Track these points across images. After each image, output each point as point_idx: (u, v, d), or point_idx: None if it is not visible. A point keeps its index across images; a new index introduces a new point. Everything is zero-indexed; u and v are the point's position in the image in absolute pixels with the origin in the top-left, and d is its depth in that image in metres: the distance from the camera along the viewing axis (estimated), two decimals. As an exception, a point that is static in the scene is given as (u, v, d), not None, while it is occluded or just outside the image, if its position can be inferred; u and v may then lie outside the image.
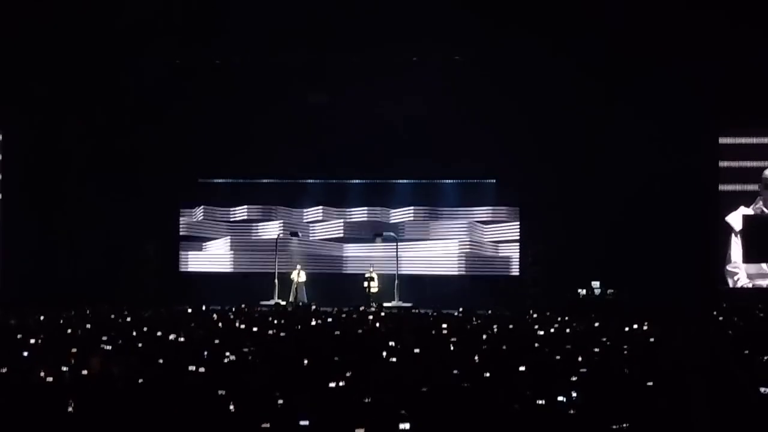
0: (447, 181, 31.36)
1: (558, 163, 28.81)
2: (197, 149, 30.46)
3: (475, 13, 27.61)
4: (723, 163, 29.30)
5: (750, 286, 29.02)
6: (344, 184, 31.84)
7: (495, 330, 18.62)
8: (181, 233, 31.81)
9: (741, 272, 29.11)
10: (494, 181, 30.96)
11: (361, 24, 28.16)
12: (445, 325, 18.77)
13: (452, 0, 27.30)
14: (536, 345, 15.59)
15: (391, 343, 15.26)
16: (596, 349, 14.62)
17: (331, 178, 31.67)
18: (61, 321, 20.41)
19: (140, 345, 15.30)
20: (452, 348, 15.34)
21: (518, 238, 30.55)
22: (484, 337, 17.09)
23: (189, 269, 31.70)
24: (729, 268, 29.15)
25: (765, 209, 29.27)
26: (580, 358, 13.56)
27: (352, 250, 31.53)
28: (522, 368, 12.29)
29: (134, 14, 27.85)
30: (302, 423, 9.12)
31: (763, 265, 28.99)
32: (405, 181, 31.53)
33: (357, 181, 31.76)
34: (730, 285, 29.07)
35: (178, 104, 29.87)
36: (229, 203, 31.90)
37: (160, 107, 29.75)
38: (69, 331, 17.93)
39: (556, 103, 28.43)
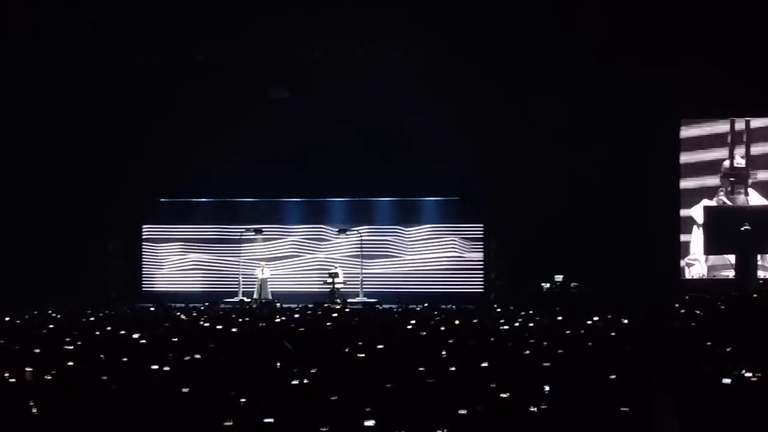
0: (410, 198, 31.18)
1: (520, 165, 28.85)
2: (159, 167, 30.21)
3: (438, 21, 27.67)
4: (683, 156, 29.59)
5: (711, 277, 29.26)
6: (304, 202, 31.63)
7: (459, 324, 18.63)
8: (143, 252, 31.68)
9: (699, 264, 29.35)
10: (458, 198, 30.85)
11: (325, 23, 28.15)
12: (410, 321, 18.77)
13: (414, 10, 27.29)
14: (500, 339, 15.61)
15: (356, 340, 15.24)
16: (560, 342, 14.68)
17: (290, 197, 31.52)
18: (23, 321, 20.27)
19: (104, 344, 15.23)
20: (417, 343, 15.35)
21: (482, 253, 30.57)
22: (449, 331, 17.10)
23: (153, 288, 31.38)
24: (687, 259, 29.40)
25: (726, 200, 29.49)
26: (544, 352, 13.60)
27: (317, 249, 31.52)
28: (486, 363, 12.31)
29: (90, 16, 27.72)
30: (266, 421, 9.10)
31: (727, 256, 29.20)
32: (366, 198, 31.32)
33: (318, 199, 31.46)
34: (687, 276, 29.33)
35: (137, 118, 29.67)
36: (192, 221, 31.78)
37: (119, 117, 29.58)
38: (32, 330, 17.82)
39: (514, 105, 28.56)
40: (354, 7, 27.50)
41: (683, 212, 29.44)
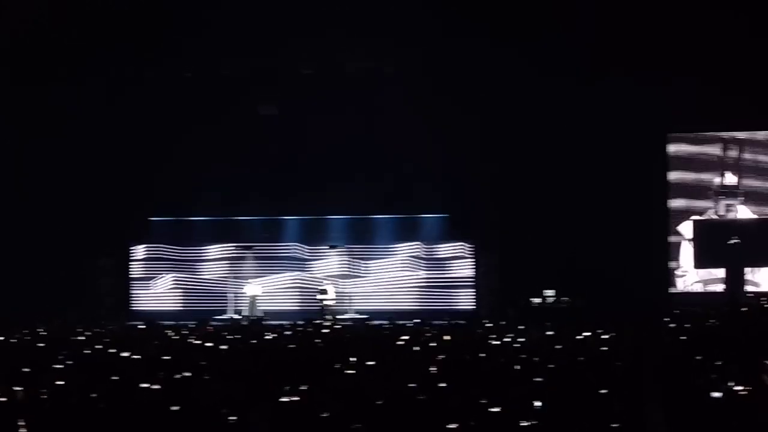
0: (399, 216, 30.98)
1: (509, 181, 28.87)
2: (149, 186, 30.14)
3: (426, 38, 27.70)
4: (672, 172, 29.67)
5: (701, 290, 29.27)
6: (292, 220, 31.39)
7: (450, 340, 18.60)
8: (131, 272, 31.51)
9: (688, 278, 29.38)
10: (447, 215, 30.72)
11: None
12: (401, 337, 18.73)
13: (403, 27, 27.31)
14: (491, 354, 15.59)
15: (347, 356, 15.20)
16: (550, 357, 14.66)
17: (273, 215, 31.29)
18: (14, 340, 20.20)
19: (93, 362, 15.17)
20: (408, 359, 15.32)
21: (473, 272, 30.48)
22: (440, 347, 17.06)
23: (142, 307, 31.17)
24: (677, 273, 29.43)
25: (716, 216, 29.52)
26: (535, 367, 13.58)
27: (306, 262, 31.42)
28: (478, 379, 12.29)
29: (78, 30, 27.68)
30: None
31: (716, 271, 29.21)
32: (349, 217, 31.13)
33: (306, 216, 31.22)
34: (677, 290, 29.36)
35: (127, 137, 29.64)
36: (181, 239, 31.64)
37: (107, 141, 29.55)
38: (21, 349, 17.75)
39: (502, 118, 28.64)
40: (343, 24, 27.55)
41: (672, 237, 29.52)
